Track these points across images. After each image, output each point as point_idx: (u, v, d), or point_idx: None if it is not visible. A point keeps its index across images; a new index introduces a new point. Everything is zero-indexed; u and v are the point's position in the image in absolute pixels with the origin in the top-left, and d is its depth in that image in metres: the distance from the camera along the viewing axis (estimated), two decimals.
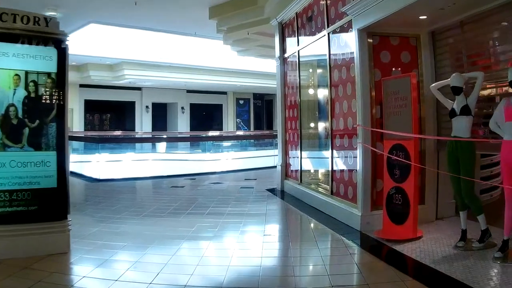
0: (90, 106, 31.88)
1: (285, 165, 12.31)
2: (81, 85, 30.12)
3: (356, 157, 8.06)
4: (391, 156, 7.39)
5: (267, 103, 41.79)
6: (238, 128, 38.69)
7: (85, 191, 13.19)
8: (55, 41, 6.58)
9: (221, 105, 38.56)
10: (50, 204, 6.53)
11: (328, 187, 9.31)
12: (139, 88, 32.90)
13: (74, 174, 16.14)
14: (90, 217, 9.00)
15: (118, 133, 28.75)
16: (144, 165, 21.43)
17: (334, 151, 9.08)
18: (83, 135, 25.05)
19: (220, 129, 37.40)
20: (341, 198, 8.68)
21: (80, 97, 30.65)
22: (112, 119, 34.24)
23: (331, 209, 8.89)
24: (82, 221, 8.51)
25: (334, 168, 9.06)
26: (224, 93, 37.92)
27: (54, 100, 6.52)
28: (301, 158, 11.24)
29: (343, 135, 8.66)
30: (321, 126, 10.79)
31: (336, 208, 8.67)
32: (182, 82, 29.99)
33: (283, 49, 12.52)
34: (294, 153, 11.74)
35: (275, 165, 16.86)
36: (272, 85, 32.17)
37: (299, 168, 11.29)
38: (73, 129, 29.47)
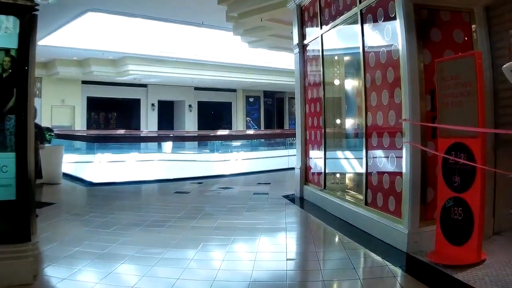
0: (93, 104, 30.56)
1: (305, 168, 10.71)
2: (84, 82, 28.97)
3: (399, 159, 6.43)
4: (449, 157, 5.79)
5: (277, 101, 40.77)
6: (247, 127, 37.53)
7: (75, 198, 11.63)
8: (18, 8, 4.93)
9: (230, 103, 37.45)
10: (6, 221, 4.92)
11: (361, 196, 7.65)
12: (144, 85, 31.71)
13: (71, 177, 14.62)
14: (72, 233, 7.38)
15: (121, 132, 27.62)
16: (148, 166, 20.43)
17: (370, 152, 7.39)
18: (79, 134, 23.67)
19: (229, 128, 36.17)
20: (379, 210, 7.00)
21: (83, 94, 29.39)
22: (116, 117, 32.99)
23: (365, 223, 7.26)
24: (62, 237, 6.95)
25: (370, 173, 7.40)
26: (234, 90, 36.75)
27: (13, 86, 4.91)
28: (325, 160, 9.59)
29: (382, 133, 6.99)
30: (351, 122, 9.27)
31: (372, 222, 7.03)
32: (189, 78, 28.71)
33: (302, 35, 10.84)
34: (316, 154, 10.11)
35: (289, 167, 15.82)
36: (283, 81, 31.56)
37: (323, 172, 9.64)
38: (75, 128, 28.35)
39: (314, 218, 8.57)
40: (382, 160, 7.05)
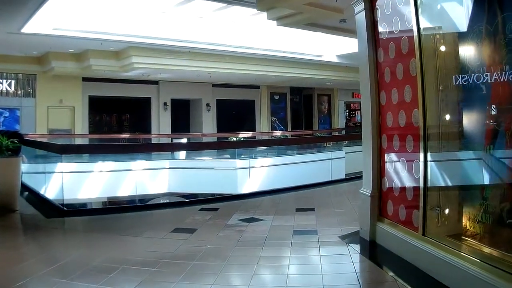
0: (96, 104, 26.71)
1: (379, 194, 6.70)
2: (84, 79, 25.14)
3: None
4: None
5: (305, 99, 37.00)
6: (273, 128, 33.62)
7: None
8: None
9: (253, 101, 33.53)
10: None
11: None
12: (155, 82, 27.90)
13: (39, 198, 10.75)
14: None
15: (126, 136, 24.08)
16: (156, 177, 17.57)
17: None
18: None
19: (253, 129, 32.20)
20: None
21: (84, 93, 25.55)
22: (122, 119, 29.29)
23: None
24: None
25: None
26: (257, 87, 32.88)
27: None
28: (425, 183, 5.48)
29: None
30: (483, 116, 5.09)
31: None
32: (206, 73, 24.75)
33: None
34: (403, 171, 6.05)
35: (334, 179, 13.73)
36: (312, 75, 27.41)
37: (421, 204, 5.56)
38: (75, 131, 24.71)
39: None
40: None
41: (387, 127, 6.50)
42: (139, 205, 10.52)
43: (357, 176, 13.74)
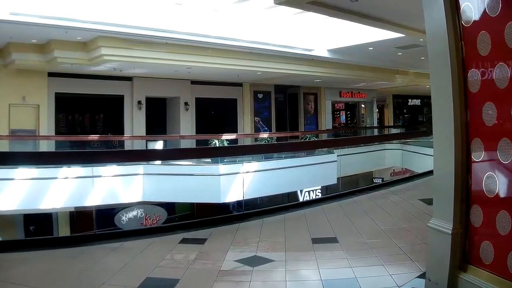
0: (64, 102, 24.15)
1: (464, 231, 4.36)
2: (50, 74, 22.60)
3: None
4: None
5: (290, 98, 34.79)
6: (256, 129, 31.39)
7: None
8: None
9: (235, 100, 31.23)
10: None
11: None
12: (129, 78, 25.48)
13: None
14: None
15: (95, 138, 21.79)
16: (128, 184, 16.60)
17: None
18: None
19: (235, 130, 30.01)
20: None
21: (50, 90, 22.97)
22: (96, 119, 26.86)
23: None
24: None
25: None
26: (239, 85, 30.65)
27: None
28: None
29: None
30: None
31: None
32: (184, 68, 22.40)
33: None
34: None
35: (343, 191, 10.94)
36: (300, 72, 25.07)
37: None
38: (39, 132, 22.36)
39: None
40: None
41: (484, 127, 4.14)
42: (92, 234, 7.73)
43: (365, 188, 11.79)
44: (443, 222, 4.44)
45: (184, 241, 6.92)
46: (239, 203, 18.06)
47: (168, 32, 18.35)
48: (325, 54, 23.67)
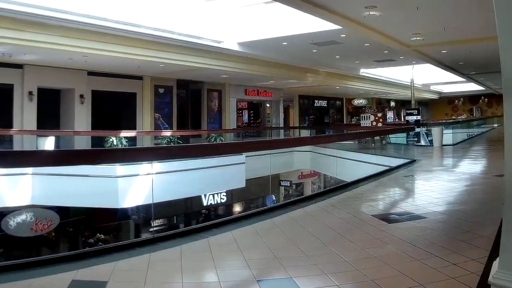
0: None
1: None
2: None
3: None
4: None
5: (193, 94, 33.15)
6: (157, 126, 29.74)
7: None
8: None
9: (135, 94, 29.26)
10: None
11: None
12: (19, 66, 23.05)
13: None
14: None
15: None
16: (12, 185, 15.13)
17: None
18: None
19: (133, 127, 28.32)
20: None
21: None
22: None
23: None
24: None
25: None
26: (140, 78, 28.77)
27: None
28: None
29: None
30: None
31: None
32: (81, 55, 20.32)
33: None
34: None
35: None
36: (209, 65, 23.51)
37: None
38: None
39: None
40: None
41: None
42: None
43: (297, 200, 10.35)
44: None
45: (75, 285, 5.00)
46: (146, 211, 16.68)
47: (64, 13, 16.36)
48: (235, 47, 22.44)
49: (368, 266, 5.32)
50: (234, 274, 5.39)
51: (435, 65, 29.99)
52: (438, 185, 11.73)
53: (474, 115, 66.42)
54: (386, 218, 7.90)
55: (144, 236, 19.40)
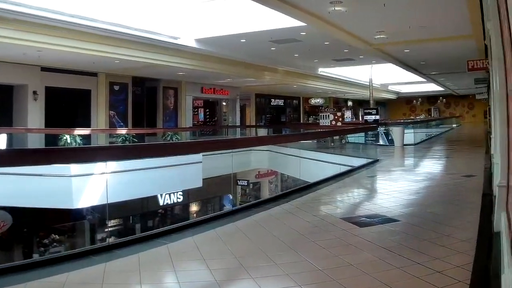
0: None
1: None
2: None
3: None
4: None
5: (148, 91, 32.76)
6: (112, 124, 29.10)
7: None
8: None
9: (89, 91, 28.58)
10: None
11: None
12: None
13: None
14: None
15: None
16: None
17: None
18: None
19: (88, 124, 27.62)
20: None
21: None
22: None
23: None
24: None
25: None
26: (94, 74, 28.15)
27: None
28: None
29: None
30: None
31: None
32: (35, 50, 19.68)
33: None
34: None
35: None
36: (165, 62, 23.25)
37: None
38: None
39: None
40: None
41: None
42: None
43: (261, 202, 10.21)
44: None
45: None
46: (101, 212, 16.27)
47: (18, 5, 15.82)
48: (192, 43, 22.16)
49: (344, 276, 4.99)
50: (199, 287, 5.07)
51: (396, 64, 30.05)
52: (406, 186, 11.60)
53: (432, 115, 67.12)
54: (356, 221, 7.58)
55: (100, 236, 18.91)
